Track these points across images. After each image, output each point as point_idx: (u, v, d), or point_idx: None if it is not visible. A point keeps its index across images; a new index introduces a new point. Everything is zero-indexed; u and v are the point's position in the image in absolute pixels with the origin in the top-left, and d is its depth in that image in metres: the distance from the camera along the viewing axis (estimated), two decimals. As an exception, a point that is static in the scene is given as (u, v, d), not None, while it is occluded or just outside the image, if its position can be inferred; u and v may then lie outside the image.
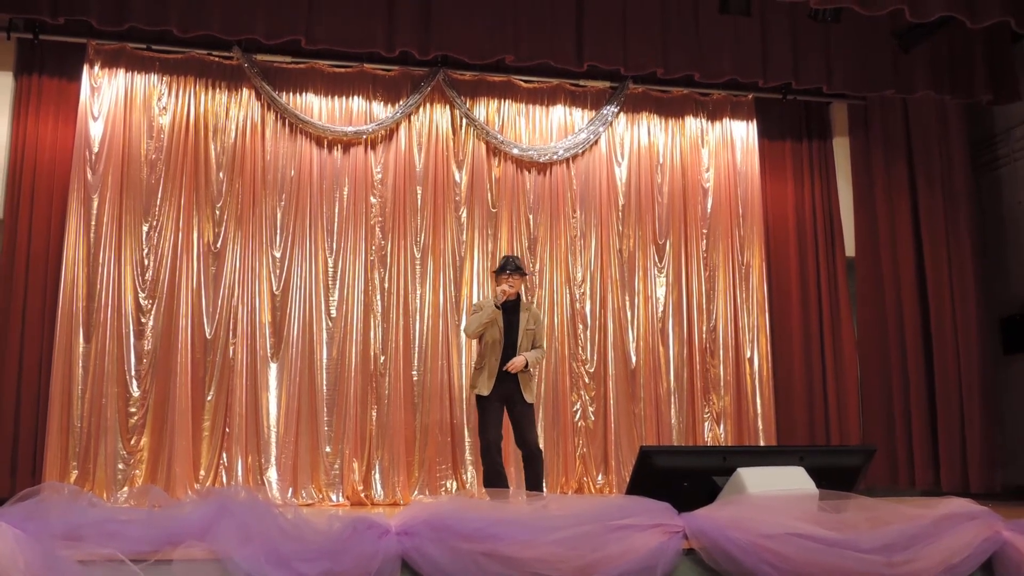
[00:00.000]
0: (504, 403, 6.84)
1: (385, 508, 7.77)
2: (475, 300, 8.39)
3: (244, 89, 8.57)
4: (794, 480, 4.12)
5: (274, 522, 3.28)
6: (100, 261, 7.99)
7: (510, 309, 6.94)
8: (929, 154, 9.14)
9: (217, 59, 8.53)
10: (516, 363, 6.78)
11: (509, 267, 6.97)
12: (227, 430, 8.06)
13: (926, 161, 9.14)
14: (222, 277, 8.28)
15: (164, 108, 8.39)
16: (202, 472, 7.94)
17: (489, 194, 8.90)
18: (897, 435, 8.94)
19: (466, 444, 8.35)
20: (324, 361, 8.31)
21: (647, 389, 8.85)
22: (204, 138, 8.42)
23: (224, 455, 8.04)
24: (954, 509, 3.79)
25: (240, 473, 7.96)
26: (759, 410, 9.00)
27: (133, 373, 7.97)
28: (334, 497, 8.05)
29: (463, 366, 8.49)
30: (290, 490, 7.99)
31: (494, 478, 6.73)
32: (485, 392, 6.79)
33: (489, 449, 6.77)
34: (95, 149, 8.14)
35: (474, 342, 7.76)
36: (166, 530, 3.25)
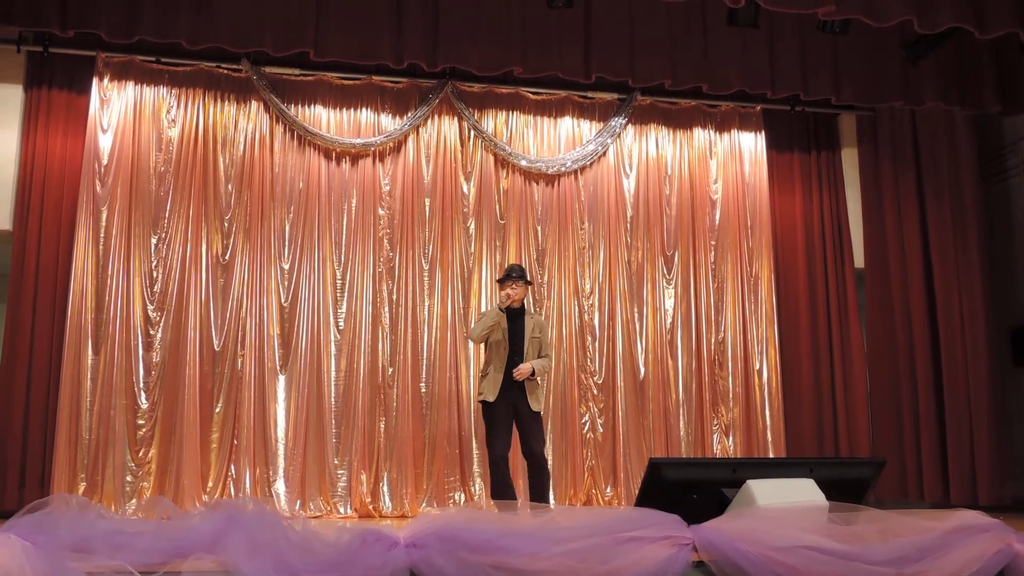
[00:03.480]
0: (511, 412, 6.84)
1: (393, 520, 7.76)
2: (482, 310, 8.38)
3: (253, 101, 8.59)
4: (804, 492, 4.12)
5: (283, 534, 3.28)
6: (109, 273, 8.00)
7: (514, 316, 6.98)
8: (938, 165, 9.13)
9: (226, 71, 8.55)
10: (522, 369, 6.81)
11: (513, 274, 7.06)
12: (235, 442, 8.06)
13: (935, 172, 9.13)
14: (230, 289, 8.28)
15: (173, 120, 8.41)
16: (210, 484, 7.93)
17: (497, 206, 8.89)
18: (906, 447, 8.92)
19: (474, 456, 8.34)
20: (332, 373, 8.31)
21: (656, 401, 8.83)
22: (213, 150, 8.44)
23: (232, 467, 8.03)
24: (966, 521, 3.77)
25: (248, 485, 7.95)
26: (768, 422, 8.97)
27: (141, 385, 7.97)
28: (342, 509, 8.04)
29: (471, 377, 8.47)
30: (298, 502, 7.98)
31: (502, 490, 6.72)
32: (491, 398, 6.80)
33: (496, 461, 6.77)
34: (104, 161, 8.16)
35: (482, 351, 7.76)
36: (175, 542, 3.25)
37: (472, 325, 7.52)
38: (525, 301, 7.18)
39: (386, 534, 3.34)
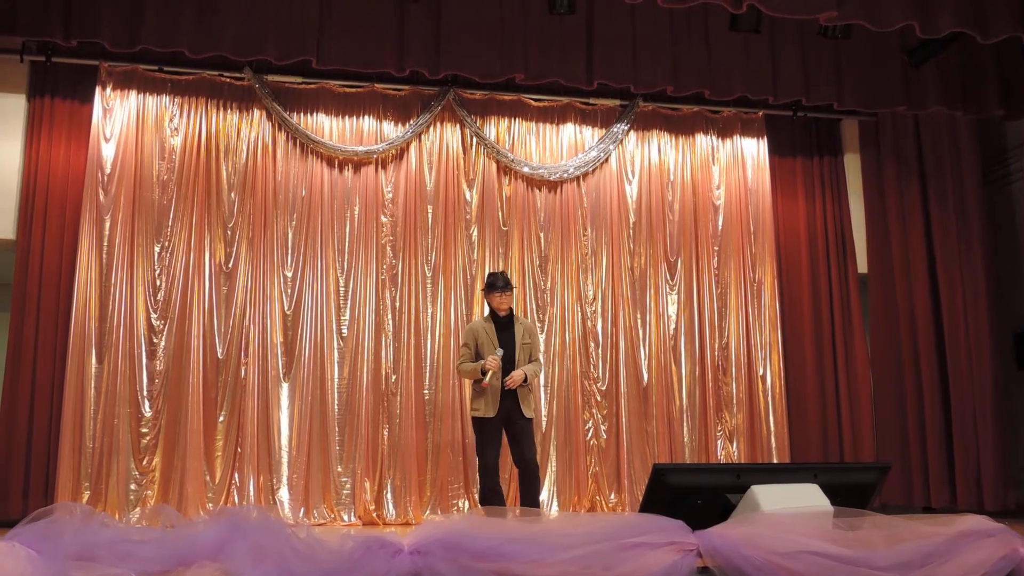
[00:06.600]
0: (504, 421, 6.81)
1: (397, 527, 7.75)
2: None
3: (255, 110, 8.60)
4: (808, 497, 4.11)
5: (287, 542, 3.27)
6: (112, 282, 8.00)
7: (504, 325, 6.94)
8: (941, 170, 9.13)
9: (228, 80, 8.56)
10: (515, 377, 6.76)
11: (499, 284, 6.96)
12: (239, 450, 8.05)
13: (938, 177, 9.12)
14: (234, 297, 8.28)
15: (176, 129, 8.42)
16: (214, 492, 7.92)
17: (500, 213, 8.90)
18: (911, 452, 8.90)
19: (477, 463, 8.32)
20: (335, 380, 8.31)
21: (659, 407, 8.81)
22: (216, 159, 8.45)
23: (236, 475, 8.02)
24: (971, 526, 3.76)
25: (252, 493, 7.94)
26: (772, 427, 8.95)
27: (145, 393, 7.97)
28: (346, 517, 8.03)
29: (473, 385, 8.48)
30: (302, 510, 7.97)
31: (491, 496, 6.70)
32: (491, 414, 6.74)
33: (487, 469, 6.75)
34: (107, 170, 8.17)
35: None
36: (179, 550, 3.25)
37: (461, 358, 7.11)
38: (512, 307, 7.11)
39: (390, 541, 3.33)
